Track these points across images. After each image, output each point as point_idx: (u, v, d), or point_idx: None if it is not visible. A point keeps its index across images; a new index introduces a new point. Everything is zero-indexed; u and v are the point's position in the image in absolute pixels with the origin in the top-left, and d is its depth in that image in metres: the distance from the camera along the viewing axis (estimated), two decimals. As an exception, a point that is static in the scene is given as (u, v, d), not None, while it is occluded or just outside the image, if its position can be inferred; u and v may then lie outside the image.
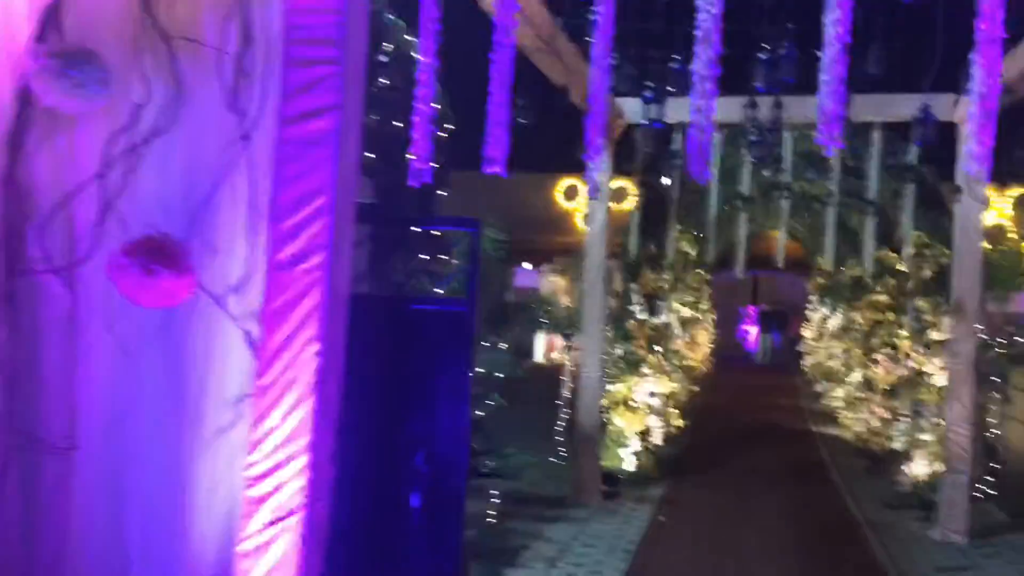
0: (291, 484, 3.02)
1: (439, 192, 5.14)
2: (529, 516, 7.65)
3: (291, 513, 3.02)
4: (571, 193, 22.75)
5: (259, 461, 3.05)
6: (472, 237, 3.66)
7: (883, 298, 11.62)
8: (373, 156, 3.89)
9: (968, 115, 3.25)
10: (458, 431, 3.50)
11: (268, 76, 3.09)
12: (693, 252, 13.90)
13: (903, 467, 9.11)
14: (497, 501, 6.80)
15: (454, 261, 4.79)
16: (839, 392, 14.27)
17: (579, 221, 22.12)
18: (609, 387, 9.64)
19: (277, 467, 3.04)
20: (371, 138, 3.95)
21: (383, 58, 4.09)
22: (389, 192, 3.97)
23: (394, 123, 3.68)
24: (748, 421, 14.40)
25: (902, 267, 11.63)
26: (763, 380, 20.49)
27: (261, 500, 3.06)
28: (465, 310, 3.57)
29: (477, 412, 6.47)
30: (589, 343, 8.83)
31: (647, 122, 6.33)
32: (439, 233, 4.69)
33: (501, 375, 7.49)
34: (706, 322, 19.39)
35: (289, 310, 3.01)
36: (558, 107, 8.32)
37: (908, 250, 8.84)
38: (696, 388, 15.40)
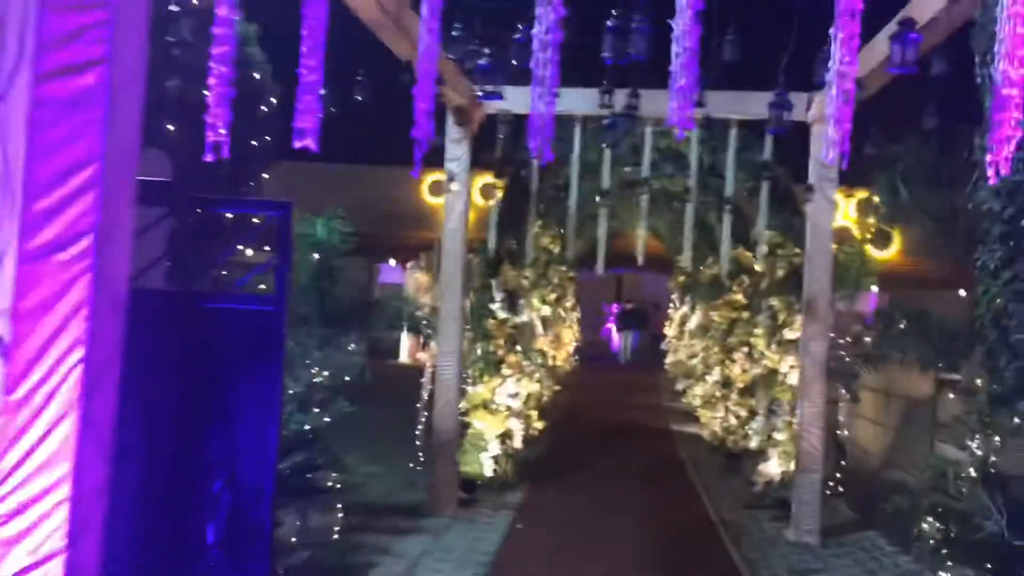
0: (50, 520, 2.49)
1: (261, 175, 4.61)
2: (380, 529, 7.22)
3: (51, 556, 2.50)
4: (437, 188, 22.48)
5: (10, 494, 2.51)
6: (282, 223, 3.18)
7: (739, 297, 11.80)
8: (172, 128, 3.36)
9: (827, 99, 3.08)
10: (265, 450, 3.04)
11: (25, 22, 2.54)
12: (555, 248, 13.79)
13: (759, 466, 9.20)
14: (343, 515, 6.33)
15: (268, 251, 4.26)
16: (699, 390, 14.49)
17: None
18: (468, 388, 9.31)
19: (33, 501, 2.51)
20: (172, 107, 3.43)
21: (176, 7, 3.54)
22: (194, 171, 3.46)
23: (204, 91, 3.16)
24: (610, 420, 14.41)
25: (758, 266, 11.88)
26: (627, 379, 20.71)
27: (13, 541, 2.51)
28: (274, 309, 3.11)
29: (324, 419, 5.96)
30: (446, 343, 8.46)
31: (482, 93, 5.99)
32: (257, 219, 4.16)
33: (349, 378, 6.99)
34: (570, 320, 19.43)
35: (47, 308, 2.47)
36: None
37: (762, 249, 8.92)
38: (559, 388, 15.33)
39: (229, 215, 3.86)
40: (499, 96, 5.93)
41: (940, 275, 20.48)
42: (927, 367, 6.34)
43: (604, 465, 10.85)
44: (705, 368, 13.92)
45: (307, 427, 5.21)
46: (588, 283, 25.22)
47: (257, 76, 4.27)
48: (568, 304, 18.66)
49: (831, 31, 2.91)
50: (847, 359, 6.58)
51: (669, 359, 20.18)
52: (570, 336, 19.65)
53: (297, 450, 4.81)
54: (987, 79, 3.72)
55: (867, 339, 6.51)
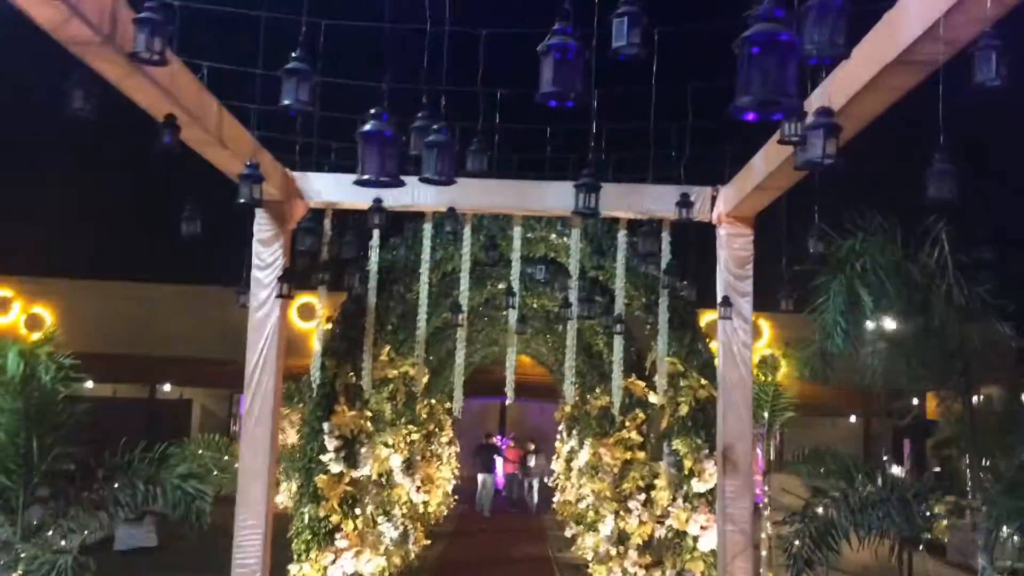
0: None
1: None
2: None
3: None
4: (307, 313, 20.03)
5: None
6: None
7: (634, 435, 9.84)
8: None
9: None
10: None
11: None
12: (422, 378, 11.62)
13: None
14: None
15: None
16: (590, 541, 12.26)
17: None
18: (291, 569, 6.87)
19: None
20: None
21: None
22: None
23: None
24: (489, 581, 11.93)
25: (655, 399, 10.01)
26: (510, 523, 18.18)
27: None
28: None
29: None
30: (247, 510, 6.08)
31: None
32: None
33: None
34: (447, 456, 17.03)
35: None
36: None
37: (661, 381, 7.02)
38: (429, 541, 12.80)
39: None
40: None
41: (830, 400, 19.29)
42: (907, 541, 4.39)
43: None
44: (596, 516, 11.75)
45: None
46: (474, 411, 22.93)
47: None
48: (444, 439, 16.33)
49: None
50: (794, 539, 4.60)
51: (557, 498, 17.91)
52: (448, 474, 17.19)
53: None
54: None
55: (819, 510, 4.55)
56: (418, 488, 12.26)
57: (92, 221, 22.98)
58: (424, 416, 12.58)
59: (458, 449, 18.86)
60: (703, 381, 7.31)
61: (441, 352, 12.21)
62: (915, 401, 22.69)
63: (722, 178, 6.25)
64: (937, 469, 10.97)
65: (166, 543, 13.08)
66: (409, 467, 11.39)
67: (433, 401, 13.32)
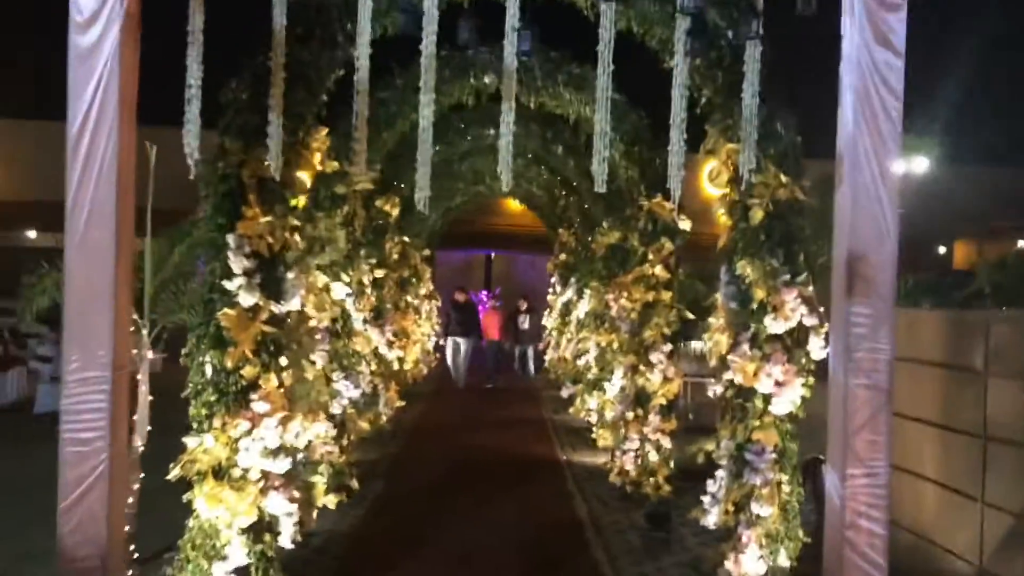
0: None
1: None
2: None
3: None
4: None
5: None
6: None
7: (659, 270, 7.50)
8: None
9: None
10: None
11: None
12: (392, 210, 9.18)
13: (726, 561, 4.89)
14: None
15: None
16: (592, 402, 10.19)
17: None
18: (188, 441, 4.60)
19: None
20: None
21: None
22: None
23: None
24: (474, 448, 9.88)
25: (685, 224, 7.64)
26: (498, 381, 16.17)
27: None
28: None
29: None
30: (82, 354, 3.73)
31: None
32: None
33: None
34: (426, 311, 14.80)
35: None
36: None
37: (747, 158, 4.56)
38: (404, 403, 10.68)
39: None
40: None
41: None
42: None
43: (461, 539, 6.29)
44: (601, 373, 9.60)
45: None
46: (454, 264, 20.61)
47: None
48: (423, 291, 14.04)
49: None
50: None
51: (550, 355, 15.84)
52: (428, 330, 15.02)
53: None
54: None
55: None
56: (390, 343, 10.04)
57: (34, 59, 19.93)
58: (395, 256, 10.21)
59: (439, 303, 16.63)
60: (783, 178, 4.90)
61: (414, 180, 9.71)
62: (941, 249, 20.61)
63: None
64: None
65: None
66: (378, 316, 9.12)
67: (407, 239, 10.93)
